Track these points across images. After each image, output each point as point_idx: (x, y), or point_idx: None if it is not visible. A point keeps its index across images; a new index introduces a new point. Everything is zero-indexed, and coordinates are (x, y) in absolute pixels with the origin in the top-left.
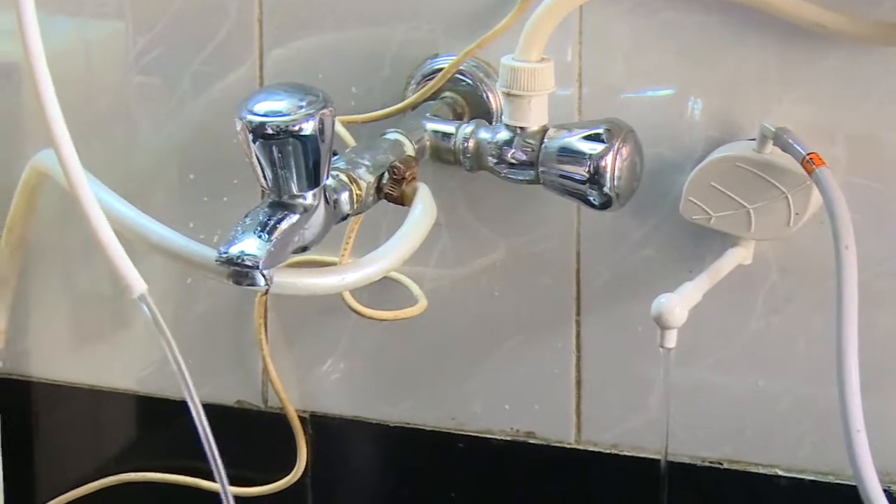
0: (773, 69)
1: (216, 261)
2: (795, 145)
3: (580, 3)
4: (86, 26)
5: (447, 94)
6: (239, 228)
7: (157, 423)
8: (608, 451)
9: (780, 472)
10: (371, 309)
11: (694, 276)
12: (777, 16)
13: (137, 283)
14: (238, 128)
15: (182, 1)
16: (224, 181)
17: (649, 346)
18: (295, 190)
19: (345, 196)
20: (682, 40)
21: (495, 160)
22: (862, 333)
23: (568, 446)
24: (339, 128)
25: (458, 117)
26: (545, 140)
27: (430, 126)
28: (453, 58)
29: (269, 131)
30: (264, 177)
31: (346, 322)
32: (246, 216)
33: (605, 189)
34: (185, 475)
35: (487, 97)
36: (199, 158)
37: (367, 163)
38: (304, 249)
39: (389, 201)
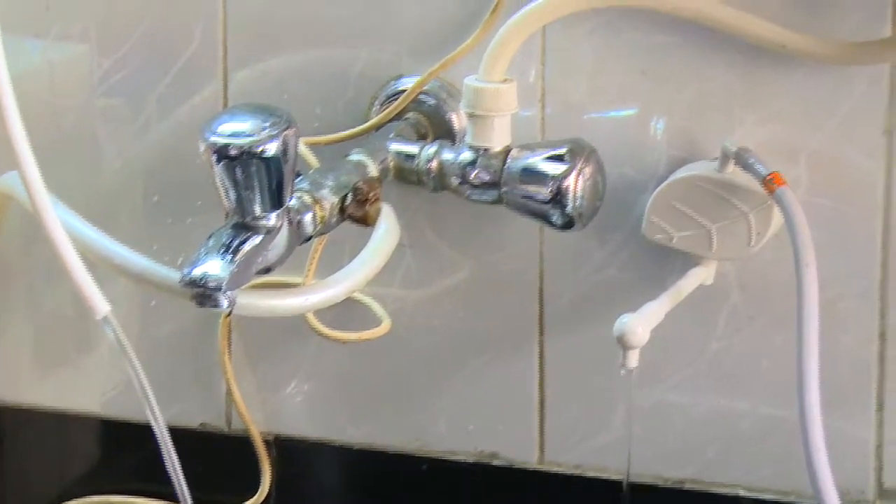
0: (736, 89)
1: (179, 282)
2: (756, 165)
3: (543, 23)
4: (51, 48)
5: (411, 114)
6: (202, 250)
7: (123, 446)
8: (571, 473)
9: (742, 493)
10: (335, 330)
11: (656, 295)
12: (740, 36)
13: (101, 304)
14: (201, 149)
15: (147, 23)
16: (188, 203)
17: (612, 366)
18: (258, 211)
19: (308, 217)
20: (645, 60)
21: (459, 181)
22: (823, 353)
23: (531, 468)
24: (303, 149)
25: (422, 138)
26: (508, 160)
27: (394, 147)
28: (417, 79)
29: (233, 153)
30: (227, 198)
31: (309, 343)
32: (209, 238)
33: (568, 209)
34: (151, 498)
35: (451, 118)
36: (164, 180)
37: (330, 184)
38: (267, 271)
39: (353, 222)
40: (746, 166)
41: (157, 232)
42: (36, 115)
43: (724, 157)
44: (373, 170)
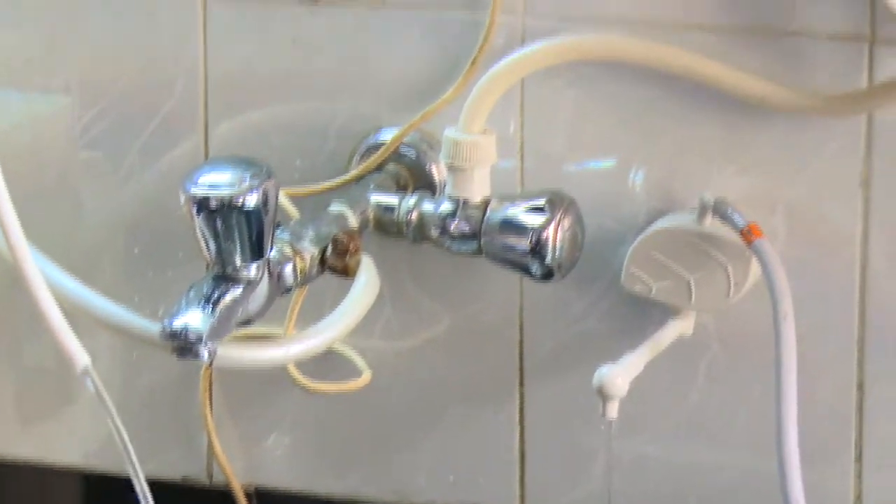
0: (714, 140)
1: (160, 334)
2: (734, 216)
3: (522, 75)
4: (33, 101)
5: (391, 165)
6: (183, 302)
7: (104, 500)
8: None
9: None
10: (315, 380)
11: (636, 346)
12: (717, 88)
13: (81, 356)
14: (182, 201)
15: (128, 76)
16: (169, 255)
17: (592, 417)
18: (239, 262)
19: (288, 268)
20: (624, 112)
21: (439, 232)
22: (802, 404)
23: None
24: (283, 200)
25: (403, 188)
26: (488, 212)
27: (374, 198)
28: (397, 130)
29: (213, 204)
30: (208, 250)
31: (290, 394)
32: (190, 289)
33: (547, 260)
34: None
35: (431, 169)
36: (145, 232)
37: (310, 235)
38: (248, 322)
39: (333, 273)
40: (724, 217)
41: (138, 284)
42: (17, 167)
43: (703, 209)
44: (353, 221)
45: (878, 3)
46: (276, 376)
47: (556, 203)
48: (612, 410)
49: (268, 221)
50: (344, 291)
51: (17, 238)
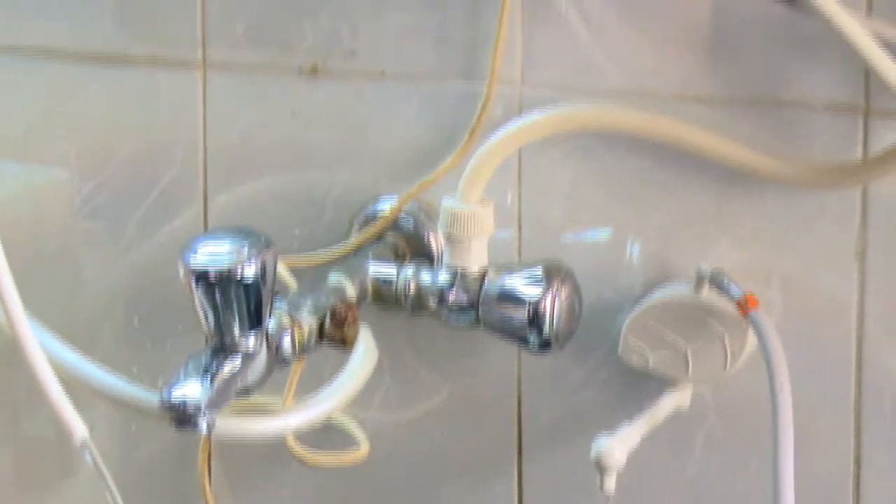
0: (710, 211)
1: (159, 405)
2: (730, 287)
3: (519, 146)
4: (33, 172)
5: (389, 235)
6: (181, 373)
7: None
8: None
9: None
10: (314, 451)
11: (634, 416)
12: (712, 159)
13: (79, 428)
14: (181, 272)
15: (128, 147)
16: (168, 326)
17: (590, 489)
18: (237, 333)
19: (287, 340)
20: (621, 183)
21: (436, 303)
22: (799, 476)
23: None
24: (282, 270)
25: (401, 258)
26: (485, 282)
27: (372, 268)
28: (396, 199)
29: (212, 276)
30: (206, 321)
31: (289, 466)
32: (188, 360)
33: (545, 332)
34: None
35: (429, 238)
36: (145, 303)
37: (309, 306)
38: (246, 393)
39: (331, 344)
40: (721, 288)
41: (137, 354)
42: (17, 238)
43: (699, 279)
44: (351, 292)
45: (873, 75)
46: (275, 448)
47: (554, 274)
48: (610, 484)
49: (266, 292)
50: (342, 362)
51: (16, 310)
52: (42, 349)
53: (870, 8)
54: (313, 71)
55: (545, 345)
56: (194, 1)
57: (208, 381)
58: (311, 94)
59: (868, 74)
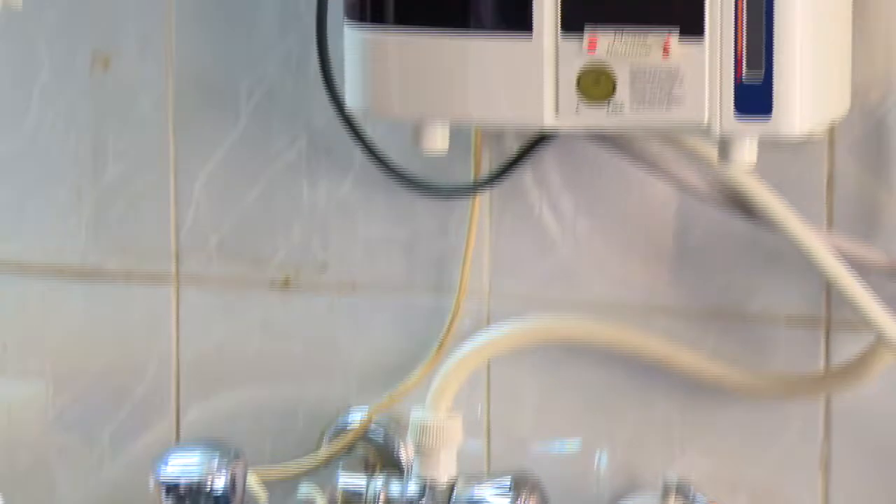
0: (677, 422)
1: None
2: (697, 497)
3: (487, 358)
4: (7, 386)
5: (360, 446)
6: None
7: None
8: None
9: None
10: None
11: None
12: (678, 371)
13: None
14: (151, 484)
15: (101, 361)
16: None
17: None
18: None
19: None
20: (588, 395)
21: None
22: None
23: None
24: (253, 482)
25: (371, 468)
26: (454, 494)
27: (342, 480)
28: (366, 410)
29: (182, 488)
30: None
31: None
32: None
33: None
34: None
35: (399, 449)
36: None
37: None
38: None
39: None
40: (687, 498)
41: None
42: None
43: (666, 490)
44: None
45: (834, 288)
46: None
47: (521, 484)
48: None
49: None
50: None
51: None
52: None
53: (830, 222)
54: (285, 284)
55: None
56: (168, 216)
57: None
58: (283, 307)
59: (829, 287)
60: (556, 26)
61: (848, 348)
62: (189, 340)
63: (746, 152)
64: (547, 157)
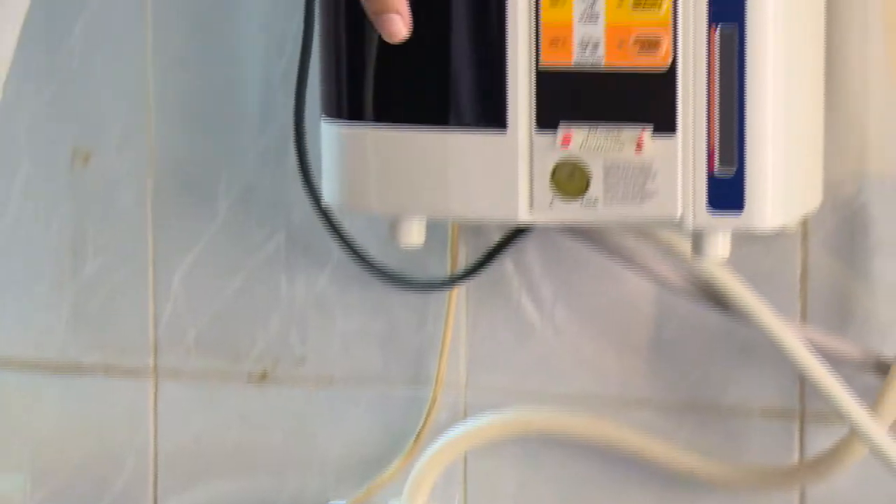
0: None
1: None
2: None
3: (464, 450)
4: None
5: None
6: None
7: None
8: None
9: None
10: None
11: None
12: (652, 463)
13: None
14: None
15: (80, 454)
16: None
17: None
18: None
19: None
20: (565, 487)
21: None
22: None
23: None
24: None
25: None
26: None
27: None
28: (344, 503)
29: None
30: None
31: None
32: None
33: None
34: None
35: None
36: None
37: None
38: None
39: None
40: None
41: None
42: None
43: None
44: None
45: (807, 380)
46: None
47: None
48: None
49: None
50: None
51: None
52: None
53: (804, 315)
54: (263, 377)
55: None
56: (146, 310)
57: None
58: (260, 399)
59: (803, 380)
60: (531, 122)
61: (822, 440)
62: (167, 433)
63: (720, 246)
64: (526, 249)
